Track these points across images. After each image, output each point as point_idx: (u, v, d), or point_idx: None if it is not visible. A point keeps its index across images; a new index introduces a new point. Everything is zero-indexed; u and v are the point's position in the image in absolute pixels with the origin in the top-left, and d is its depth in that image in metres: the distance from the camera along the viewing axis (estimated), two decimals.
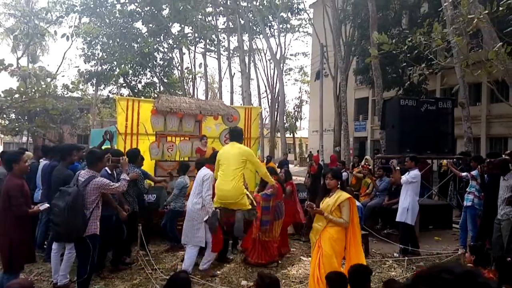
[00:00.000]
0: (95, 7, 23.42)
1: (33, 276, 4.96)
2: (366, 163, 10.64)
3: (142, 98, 19.73)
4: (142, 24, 25.92)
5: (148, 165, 7.22)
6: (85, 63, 25.50)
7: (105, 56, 24.64)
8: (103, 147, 6.49)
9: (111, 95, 26.40)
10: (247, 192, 4.84)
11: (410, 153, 6.92)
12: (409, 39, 7.38)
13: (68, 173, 4.89)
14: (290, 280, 5.09)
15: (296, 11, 27.37)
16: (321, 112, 21.57)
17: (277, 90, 30.24)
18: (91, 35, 24.56)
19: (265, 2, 25.31)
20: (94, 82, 26.15)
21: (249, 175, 7.32)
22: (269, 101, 33.23)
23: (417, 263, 5.82)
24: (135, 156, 5.84)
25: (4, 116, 18.26)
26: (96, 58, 25.23)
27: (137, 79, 26.74)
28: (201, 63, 32.12)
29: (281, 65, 29.18)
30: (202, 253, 5.29)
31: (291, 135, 41.89)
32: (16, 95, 11.54)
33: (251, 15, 24.67)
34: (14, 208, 3.83)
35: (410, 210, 6.17)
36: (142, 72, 26.63)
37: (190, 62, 31.93)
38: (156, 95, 23.68)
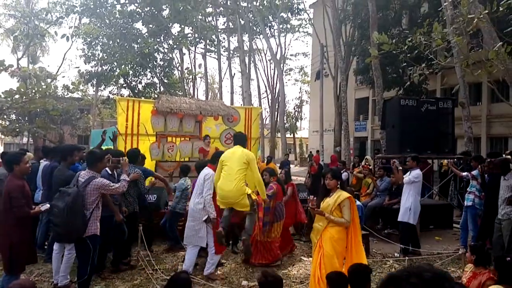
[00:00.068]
0: (95, 7, 23.45)
1: (33, 276, 4.96)
2: (367, 163, 10.65)
3: (143, 98, 19.72)
4: (142, 25, 25.97)
5: (148, 166, 7.21)
6: (85, 64, 25.62)
7: (105, 57, 24.69)
8: (104, 148, 6.49)
9: (111, 96, 26.47)
10: (251, 192, 4.83)
11: (410, 153, 6.91)
12: (409, 39, 7.37)
13: (70, 173, 4.88)
14: (291, 280, 5.09)
15: (296, 11, 27.39)
16: (322, 112, 21.58)
17: (277, 90, 30.28)
18: (91, 35, 24.60)
19: (265, 2, 25.32)
20: (95, 82, 26.25)
21: (249, 175, 7.30)
22: (269, 101, 33.30)
23: (418, 263, 5.81)
24: (135, 156, 5.83)
25: (5, 117, 18.26)
26: (96, 58, 25.29)
27: (137, 80, 26.81)
28: (201, 64, 32.23)
29: (281, 65, 29.20)
30: (201, 254, 5.29)
31: (292, 135, 41.89)
32: (17, 96, 11.51)
33: (251, 15, 24.68)
34: (15, 209, 3.82)
35: (413, 210, 6.16)
36: (142, 73, 26.69)
37: (190, 63, 32.18)
38: (156, 96, 23.68)
